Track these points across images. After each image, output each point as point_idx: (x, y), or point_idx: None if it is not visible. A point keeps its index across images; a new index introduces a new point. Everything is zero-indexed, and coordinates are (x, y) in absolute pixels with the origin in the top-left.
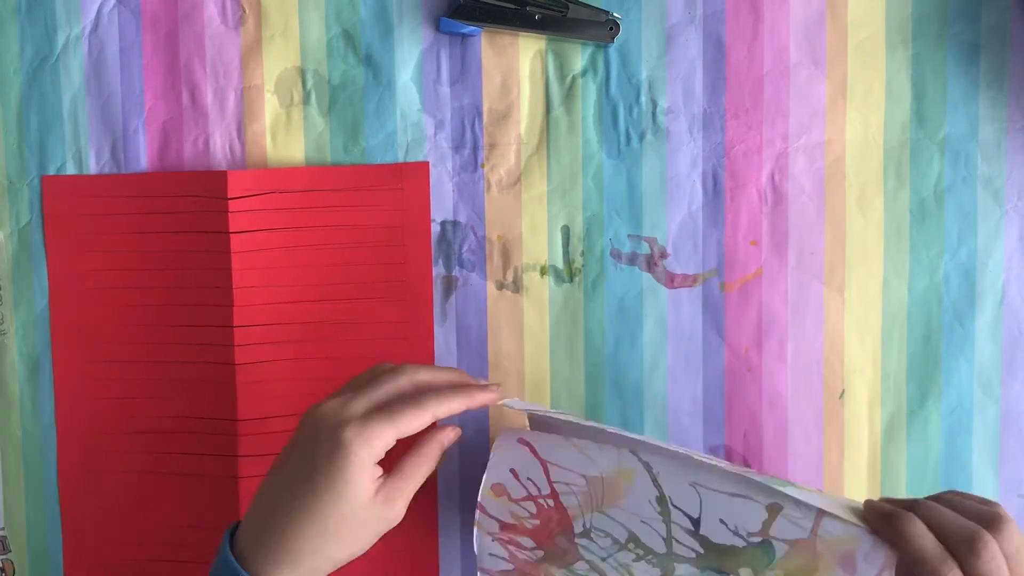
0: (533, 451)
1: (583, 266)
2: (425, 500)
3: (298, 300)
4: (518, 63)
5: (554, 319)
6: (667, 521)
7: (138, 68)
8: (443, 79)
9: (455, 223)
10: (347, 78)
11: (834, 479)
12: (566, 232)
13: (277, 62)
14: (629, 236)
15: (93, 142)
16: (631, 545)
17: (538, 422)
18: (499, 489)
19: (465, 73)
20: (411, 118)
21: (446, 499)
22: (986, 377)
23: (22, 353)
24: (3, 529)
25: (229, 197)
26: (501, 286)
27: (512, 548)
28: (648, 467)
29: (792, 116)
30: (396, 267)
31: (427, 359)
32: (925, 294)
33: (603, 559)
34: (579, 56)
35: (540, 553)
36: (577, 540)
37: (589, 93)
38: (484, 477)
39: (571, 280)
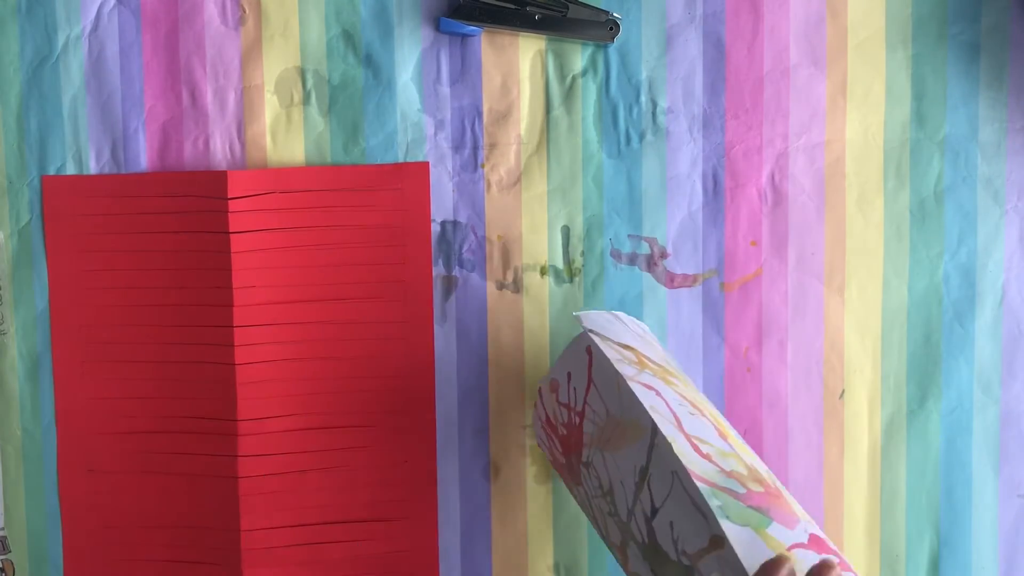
0: (589, 364)
1: (583, 266)
2: (425, 500)
3: (298, 300)
4: (518, 63)
5: (554, 319)
6: (637, 495)
7: (138, 68)
8: (443, 79)
9: (455, 223)
10: (347, 78)
11: (834, 479)
12: (566, 232)
13: (277, 62)
14: (629, 236)
15: (93, 142)
16: (607, 498)
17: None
18: (554, 385)
19: (465, 73)
20: (411, 118)
21: (446, 499)
22: (986, 377)
23: (22, 353)
24: (3, 529)
25: (229, 197)
26: (501, 286)
27: (551, 443)
28: (653, 433)
29: (792, 116)
30: (396, 267)
31: (427, 359)
32: (925, 294)
33: (591, 497)
34: (579, 56)
35: (562, 460)
36: (581, 468)
37: (589, 93)
38: (553, 365)
39: (571, 280)
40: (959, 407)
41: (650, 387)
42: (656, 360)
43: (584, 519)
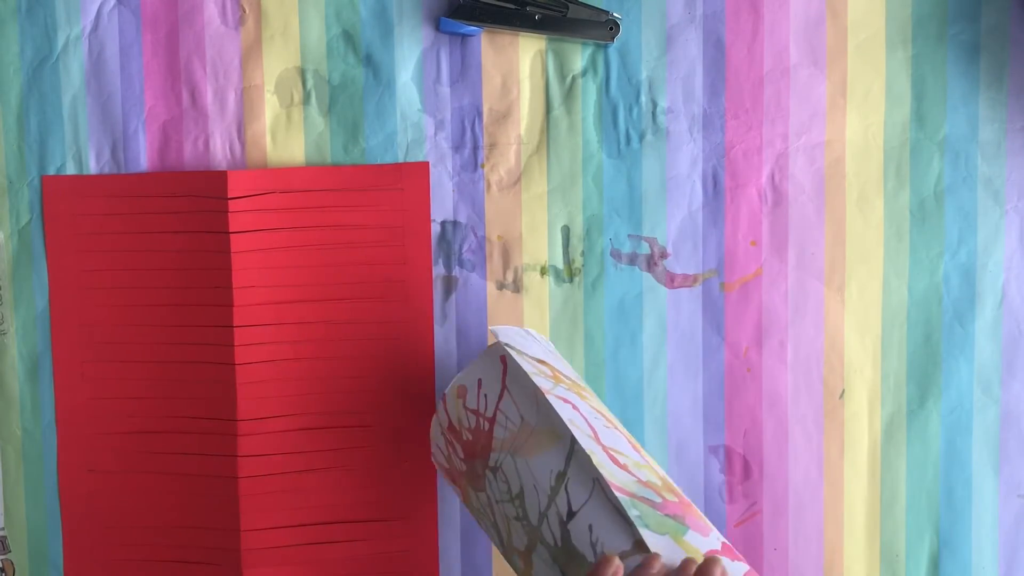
0: (504, 373)
1: (583, 266)
2: (425, 500)
3: (298, 300)
4: (518, 63)
5: (554, 319)
6: (552, 499)
7: (138, 68)
8: (443, 79)
9: (455, 223)
10: (347, 78)
11: (834, 479)
12: (566, 232)
13: (277, 62)
14: (629, 236)
15: (93, 142)
16: (516, 502)
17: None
18: (461, 391)
19: (465, 73)
20: (411, 118)
21: (446, 499)
22: (986, 377)
23: (22, 353)
24: (3, 529)
25: (229, 197)
26: (501, 286)
27: (450, 450)
28: (572, 443)
29: (792, 116)
30: (396, 267)
31: (427, 359)
32: (925, 294)
33: (495, 502)
34: (579, 56)
35: (463, 467)
36: (487, 472)
37: (589, 93)
38: (459, 373)
39: (571, 280)
40: (959, 407)
41: (566, 400)
42: (568, 376)
43: None
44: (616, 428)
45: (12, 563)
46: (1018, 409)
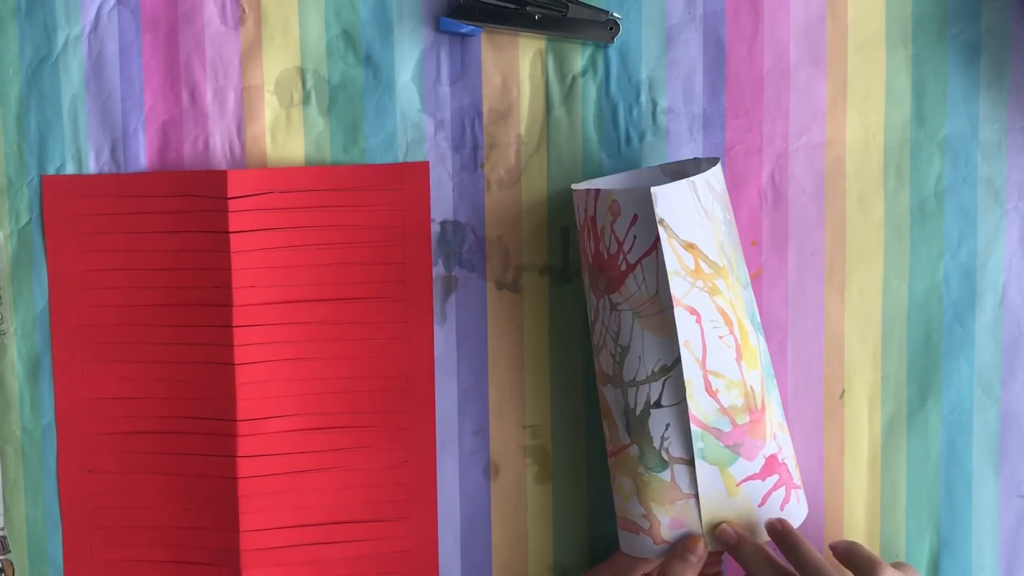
0: (655, 240)
1: None
2: (425, 500)
3: (298, 300)
4: (518, 63)
5: (554, 319)
6: (648, 381)
7: (138, 68)
8: (443, 79)
9: (455, 223)
10: (347, 78)
11: (834, 479)
12: (566, 232)
13: (277, 62)
14: None
15: (93, 142)
16: (619, 351)
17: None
18: (615, 208)
19: (465, 73)
20: (411, 118)
21: (446, 499)
22: (986, 377)
23: (22, 353)
24: (3, 529)
25: (229, 197)
26: (501, 286)
27: (586, 237)
28: (677, 361)
29: (792, 116)
30: (396, 267)
31: (427, 359)
32: (925, 294)
33: (605, 327)
34: (579, 56)
35: (590, 265)
36: (609, 304)
37: (589, 93)
38: (620, 182)
39: (571, 280)
40: (959, 407)
41: (693, 311)
42: (713, 255)
43: (583, 518)
44: (731, 333)
45: (12, 563)
46: (1018, 409)
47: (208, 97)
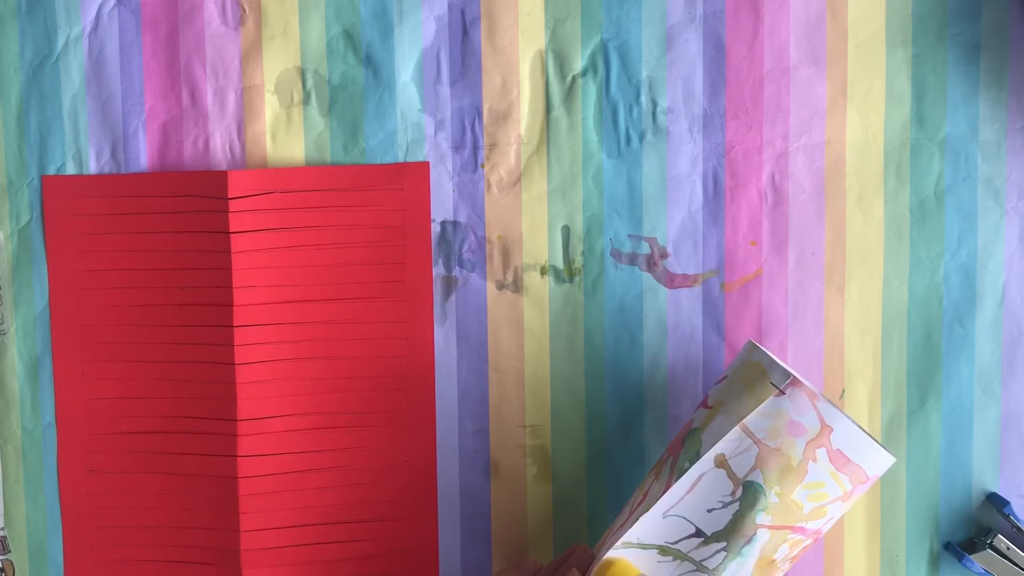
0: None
1: (583, 266)
2: (425, 500)
3: (298, 300)
4: (518, 63)
5: (554, 319)
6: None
7: (138, 68)
8: (443, 79)
9: (455, 223)
10: (347, 78)
11: None
12: (566, 232)
13: (277, 62)
14: (629, 236)
15: (93, 142)
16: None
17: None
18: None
19: (465, 73)
20: (411, 118)
21: (446, 499)
22: (986, 377)
23: (22, 353)
24: (3, 529)
25: (229, 197)
26: (501, 286)
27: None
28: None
29: (792, 116)
30: (396, 267)
31: (427, 359)
32: (925, 294)
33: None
34: (579, 56)
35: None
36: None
37: (589, 93)
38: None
39: (571, 280)
40: (959, 407)
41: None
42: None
43: (583, 519)
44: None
45: (12, 563)
46: (1018, 409)
47: (208, 97)
